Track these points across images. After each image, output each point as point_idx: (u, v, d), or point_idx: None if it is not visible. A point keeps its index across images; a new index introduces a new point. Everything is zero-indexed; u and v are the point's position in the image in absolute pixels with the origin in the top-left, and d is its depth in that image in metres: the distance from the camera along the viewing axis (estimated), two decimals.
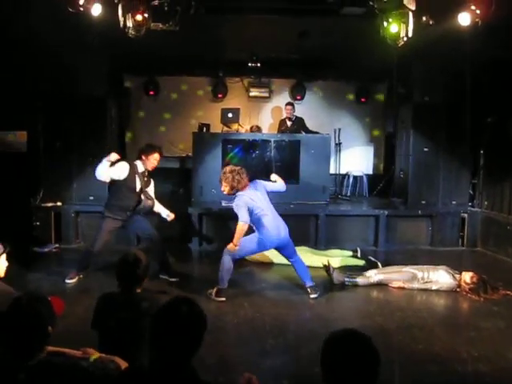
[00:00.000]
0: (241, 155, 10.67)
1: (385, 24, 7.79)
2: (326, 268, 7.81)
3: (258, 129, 12.05)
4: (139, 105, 13.32)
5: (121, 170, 7.31)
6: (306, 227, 10.13)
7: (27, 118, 9.87)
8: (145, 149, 7.49)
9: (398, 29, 7.68)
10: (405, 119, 10.93)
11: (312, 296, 7.12)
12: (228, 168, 6.80)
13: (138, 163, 7.44)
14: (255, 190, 6.80)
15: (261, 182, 6.97)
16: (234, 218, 6.87)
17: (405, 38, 7.67)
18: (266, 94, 13.41)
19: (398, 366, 5.12)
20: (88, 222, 9.92)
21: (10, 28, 8.15)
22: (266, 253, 8.31)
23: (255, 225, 6.75)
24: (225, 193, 6.83)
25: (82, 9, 7.15)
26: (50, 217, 9.93)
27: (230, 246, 6.64)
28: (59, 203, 10.05)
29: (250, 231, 6.87)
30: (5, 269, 4.40)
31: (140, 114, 13.33)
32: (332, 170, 11.73)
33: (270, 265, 8.77)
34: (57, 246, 9.72)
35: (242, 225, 6.54)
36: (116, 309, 3.97)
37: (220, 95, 13.26)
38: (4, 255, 4.36)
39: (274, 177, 7.20)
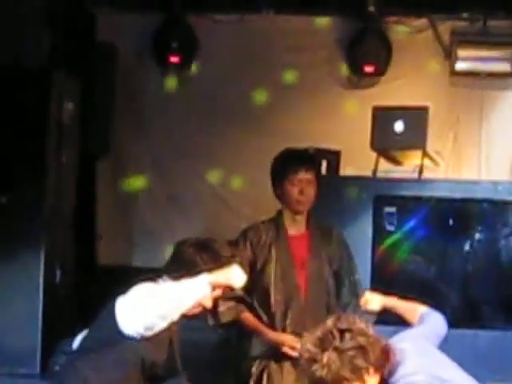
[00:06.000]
0: (425, 238, 5.34)
1: None
2: None
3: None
4: (140, 92, 6.63)
5: None
6: None
7: None
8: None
9: None
10: None
11: None
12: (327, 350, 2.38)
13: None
14: (421, 356, 2.67)
15: (417, 332, 2.93)
16: None
17: None
18: (507, 67, 6.22)
19: None
20: None
21: None
22: None
23: None
24: None
25: None
26: None
27: None
28: None
29: None
30: None
31: (144, 116, 6.68)
32: None
33: None
34: None
35: None
36: None
37: (369, 68, 6.50)
38: None
39: (369, 299, 3.32)
